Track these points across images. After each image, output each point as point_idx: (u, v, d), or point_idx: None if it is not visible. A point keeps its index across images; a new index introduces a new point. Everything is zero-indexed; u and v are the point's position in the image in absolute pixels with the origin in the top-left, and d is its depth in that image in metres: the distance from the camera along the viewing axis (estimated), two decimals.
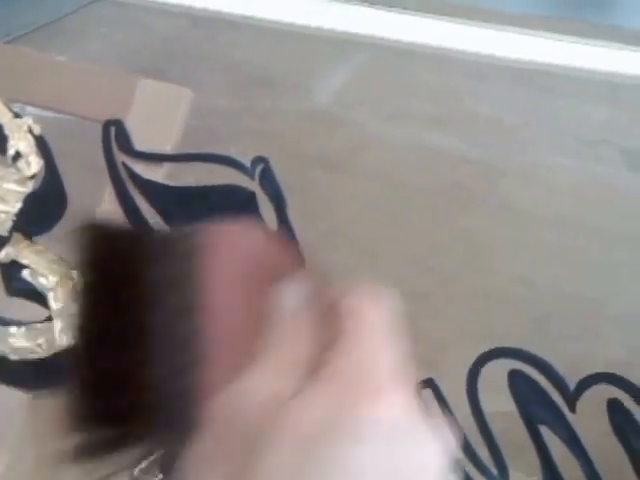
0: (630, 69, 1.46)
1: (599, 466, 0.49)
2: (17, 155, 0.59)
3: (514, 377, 0.50)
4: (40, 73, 0.63)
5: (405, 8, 1.67)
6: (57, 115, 0.61)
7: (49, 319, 0.57)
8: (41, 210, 0.59)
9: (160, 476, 0.67)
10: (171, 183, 0.56)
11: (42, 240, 0.60)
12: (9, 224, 0.58)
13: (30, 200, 0.59)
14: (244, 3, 1.72)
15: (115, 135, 0.56)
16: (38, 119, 0.60)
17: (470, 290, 0.73)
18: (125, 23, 1.68)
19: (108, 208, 0.57)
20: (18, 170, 0.59)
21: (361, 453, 0.30)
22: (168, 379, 0.35)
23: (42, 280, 0.57)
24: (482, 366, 0.50)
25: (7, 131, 0.59)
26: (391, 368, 0.33)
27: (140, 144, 0.57)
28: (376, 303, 0.34)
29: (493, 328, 0.68)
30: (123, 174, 0.56)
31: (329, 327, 0.34)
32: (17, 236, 0.59)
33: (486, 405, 0.50)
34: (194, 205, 0.55)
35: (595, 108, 1.35)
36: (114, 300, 0.36)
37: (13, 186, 0.58)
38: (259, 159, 0.55)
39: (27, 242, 0.59)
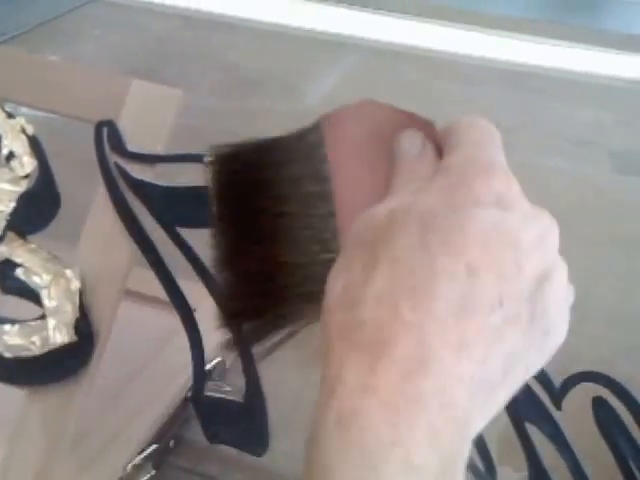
0: (618, 72, 1.47)
1: (585, 463, 0.49)
2: (10, 155, 0.59)
3: None
4: (33, 74, 0.63)
5: (395, 11, 1.68)
6: (50, 115, 0.62)
7: (42, 317, 0.57)
8: (35, 209, 0.59)
9: (153, 472, 0.67)
10: (163, 183, 0.56)
11: (36, 239, 0.60)
12: (3, 223, 0.59)
13: (24, 199, 0.59)
14: (237, 5, 1.72)
15: (107, 135, 0.57)
16: (31, 119, 0.61)
17: None
18: (119, 24, 1.68)
19: (100, 207, 0.58)
20: (11, 170, 0.59)
21: (477, 215, 0.33)
22: (310, 262, 0.39)
23: (36, 278, 0.58)
24: None
25: (0, 131, 0.60)
26: (495, 159, 0.36)
27: (131, 144, 0.57)
28: (475, 122, 0.38)
29: None
30: (115, 174, 0.56)
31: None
32: (11, 235, 0.59)
33: None
34: (186, 204, 0.55)
35: (584, 110, 1.36)
36: (252, 206, 0.40)
37: (7, 186, 0.59)
38: None
39: (21, 241, 0.59)
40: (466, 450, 0.32)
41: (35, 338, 0.57)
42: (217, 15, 1.70)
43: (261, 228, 0.40)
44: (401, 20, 1.67)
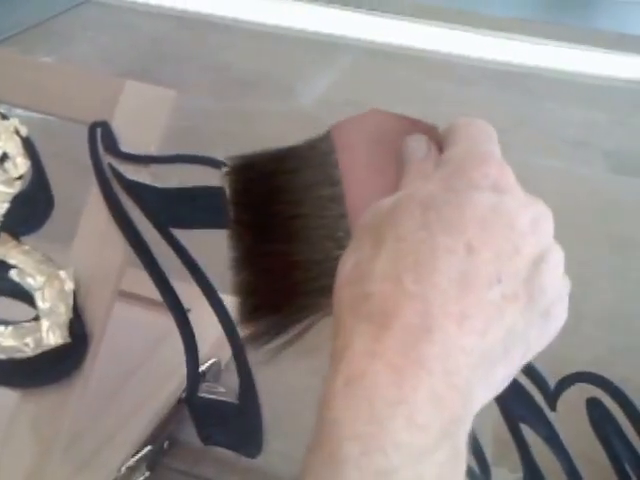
0: (613, 72, 1.47)
1: (579, 463, 0.50)
2: (4, 156, 0.59)
3: None
4: (26, 75, 0.63)
5: (389, 12, 1.68)
6: (44, 116, 0.61)
7: (36, 318, 0.57)
8: (28, 210, 0.59)
9: (147, 474, 0.67)
10: (157, 184, 0.56)
11: (29, 240, 0.60)
12: None
13: (17, 201, 0.59)
14: (230, 5, 1.72)
15: (101, 136, 0.57)
16: (25, 120, 0.61)
17: None
18: (112, 25, 1.68)
19: (94, 208, 0.58)
20: (5, 171, 0.59)
21: (475, 197, 0.36)
22: (324, 258, 0.41)
23: (29, 280, 0.58)
24: None
25: None
26: (491, 151, 0.38)
27: (124, 145, 0.57)
28: (472, 121, 0.40)
29: None
30: (109, 175, 0.56)
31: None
32: (4, 236, 0.59)
33: None
34: (179, 206, 0.55)
35: (578, 110, 1.36)
36: (269, 211, 0.43)
37: (0, 187, 0.59)
38: None
39: (15, 242, 0.59)
40: (468, 422, 0.33)
41: (29, 339, 0.57)
42: (211, 16, 1.70)
43: (277, 230, 0.43)
44: (395, 21, 1.67)
